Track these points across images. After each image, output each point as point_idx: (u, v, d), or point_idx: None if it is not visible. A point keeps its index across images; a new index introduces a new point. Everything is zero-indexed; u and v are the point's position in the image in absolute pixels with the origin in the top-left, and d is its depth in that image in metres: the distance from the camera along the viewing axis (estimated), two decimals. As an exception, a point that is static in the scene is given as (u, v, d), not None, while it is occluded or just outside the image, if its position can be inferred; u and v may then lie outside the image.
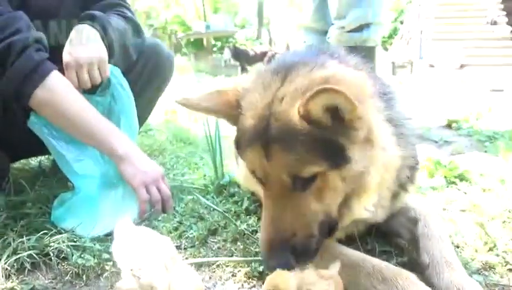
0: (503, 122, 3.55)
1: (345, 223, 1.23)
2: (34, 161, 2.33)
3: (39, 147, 1.74)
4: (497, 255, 1.38)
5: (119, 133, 1.66)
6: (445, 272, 1.20)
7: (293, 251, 1.08)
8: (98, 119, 1.63)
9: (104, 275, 1.32)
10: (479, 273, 1.30)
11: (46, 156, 2.33)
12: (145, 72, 2.01)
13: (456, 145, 2.98)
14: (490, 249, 1.42)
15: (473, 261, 1.34)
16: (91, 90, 1.72)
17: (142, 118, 2.04)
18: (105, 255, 1.38)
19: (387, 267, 1.15)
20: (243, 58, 11.76)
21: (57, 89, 1.57)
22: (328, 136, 1.05)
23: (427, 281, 1.16)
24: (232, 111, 1.22)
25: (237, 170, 1.50)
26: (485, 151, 2.82)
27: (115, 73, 1.75)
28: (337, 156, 1.06)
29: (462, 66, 12.27)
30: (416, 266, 1.27)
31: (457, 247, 1.44)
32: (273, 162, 1.08)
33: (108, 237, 1.50)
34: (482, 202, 1.81)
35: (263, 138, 1.08)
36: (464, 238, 1.49)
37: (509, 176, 2.09)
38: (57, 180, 1.94)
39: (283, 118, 1.07)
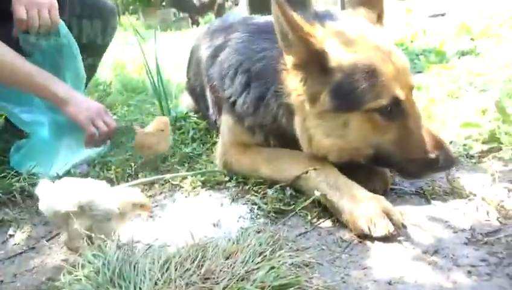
0: (433, 42, 3.82)
1: None
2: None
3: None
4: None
5: (57, 80, 1.71)
6: None
7: None
8: (34, 68, 1.65)
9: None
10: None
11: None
12: (88, 26, 2.02)
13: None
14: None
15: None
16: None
17: (88, 72, 2.07)
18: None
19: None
20: (187, 8, 11.48)
21: None
22: None
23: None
24: None
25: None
26: (414, 68, 3.11)
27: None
28: None
29: (406, -4, 12.49)
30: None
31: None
32: None
33: (67, 173, 1.66)
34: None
35: None
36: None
37: (427, 83, 2.37)
38: (9, 135, 2.04)
39: None
